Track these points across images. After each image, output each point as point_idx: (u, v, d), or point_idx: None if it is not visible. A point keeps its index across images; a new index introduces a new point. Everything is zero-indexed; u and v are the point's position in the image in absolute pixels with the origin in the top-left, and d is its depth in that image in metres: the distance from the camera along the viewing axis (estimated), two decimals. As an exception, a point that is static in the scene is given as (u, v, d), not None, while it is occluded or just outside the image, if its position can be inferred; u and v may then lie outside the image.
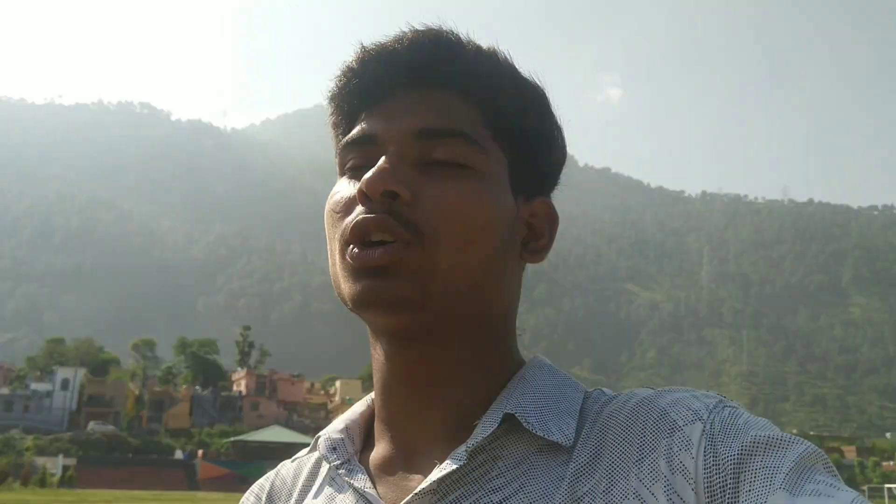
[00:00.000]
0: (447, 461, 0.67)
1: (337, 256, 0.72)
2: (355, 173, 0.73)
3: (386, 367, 0.73)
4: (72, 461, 49.85)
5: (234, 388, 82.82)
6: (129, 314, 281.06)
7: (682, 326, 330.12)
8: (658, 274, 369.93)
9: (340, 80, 0.76)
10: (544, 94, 0.78)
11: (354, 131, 0.74)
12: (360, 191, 0.69)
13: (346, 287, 0.70)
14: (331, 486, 0.75)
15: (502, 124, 0.73)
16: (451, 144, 0.70)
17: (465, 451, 0.66)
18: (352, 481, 0.71)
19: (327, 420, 78.89)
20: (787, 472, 0.57)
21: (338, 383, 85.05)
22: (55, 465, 47.20)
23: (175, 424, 69.24)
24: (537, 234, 0.77)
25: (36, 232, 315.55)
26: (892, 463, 76.91)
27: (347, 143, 0.74)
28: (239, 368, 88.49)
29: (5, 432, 57.17)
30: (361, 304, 0.69)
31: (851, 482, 67.82)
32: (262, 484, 0.84)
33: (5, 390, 72.20)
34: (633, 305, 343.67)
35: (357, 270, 0.69)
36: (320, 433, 0.79)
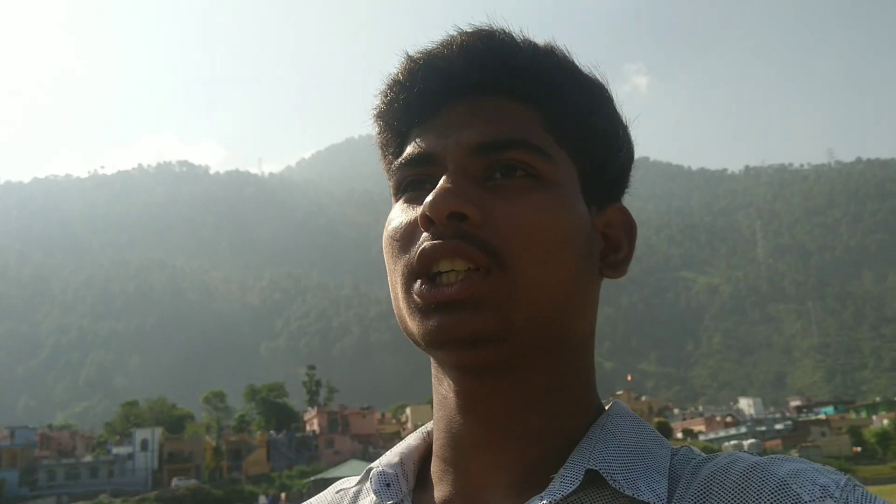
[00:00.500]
0: None
1: (400, 291, 0.66)
2: (413, 197, 0.67)
3: (453, 402, 0.67)
4: (163, 521, 50.73)
5: (308, 427, 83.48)
6: (195, 369, 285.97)
7: (745, 307, 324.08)
8: (712, 257, 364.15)
9: (387, 96, 0.70)
10: (608, 91, 0.72)
11: (408, 150, 0.68)
12: (422, 215, 0.62)
13: (414, 325, 0.64)
14: None
15: (567, 128, 0.68)
16: (515, 155, 0.64)
17: None
18: None
19: (403, 448, 79.11)
20: None
21: (408, 410, 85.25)
22: (147, 524, 48.09)
23: (254, 471, 70.02)
24: (615, 245, 0.71)
25: (97, 300, 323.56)
26: None
27: (401, 165, 0.68)
28: (309, 408, 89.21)
29: (94, 498, 58.43)
30: (435, 343, 0.62)
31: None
32: None
33: (88, 457, 74.04)
34: (691, 292, 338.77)
35: (427, 307, 0.63)
36: (372, 465, 0.72)
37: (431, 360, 0.69)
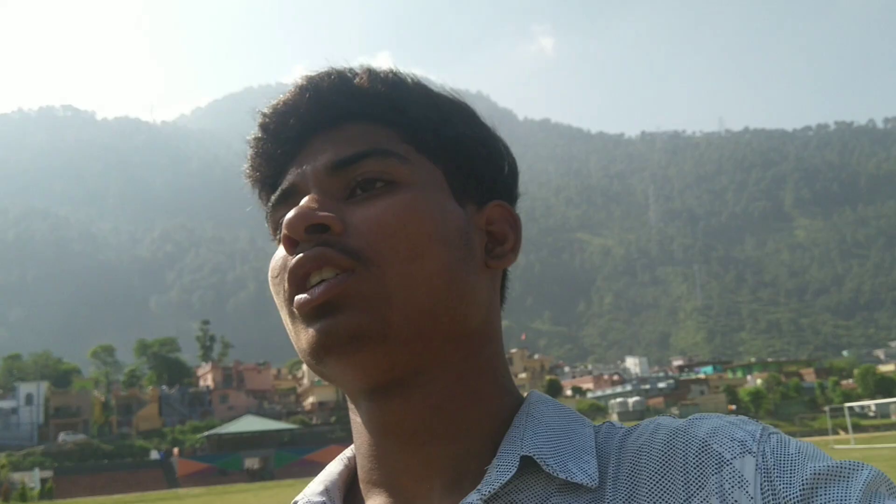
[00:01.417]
0: None
1: (288, 320, 0.65)
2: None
3: (370, 426, 0.66)
4: (48, 473, 49.56)
5: (201, 383, 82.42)
6: (81, 322, 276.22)
7: (636, 269, 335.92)
8: (607, 219, 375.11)
9: (253, 149, 0.72)
10: (465, 104, 0.73)
11: (276, 193, 0.69)
12: (284, 237, 0.63)
13: (301, 342, 0.63)
14: None
15: (422, 137, 0.69)
16: (367, 165, 0.65)
17: (480, 499, 0.59)
18: None
19: (298, 404, 79.19)
20: (856, 502, 0.53)
21: (304, 367, 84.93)
22: (32, 479, 46.85)
23: (146, 426, 68.87)
24: (500, 239, 0.71)
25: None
26: (850, 381, 79.23)
27: (271, 206, 0.70)
28: (203, 363, 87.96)
29: (-26, 453, 56.37)
30: (319, 348, 0.61)
31: (813, 404, 70.41)
32: None
33: (-32, 413, 70.93)
34: (586, 254, 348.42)
35: (305, 317, 0.62)
36: (297, 498, 0.71)
37: (346, 398, 0.70)
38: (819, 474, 0.55)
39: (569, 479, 0.60)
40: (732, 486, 0.56)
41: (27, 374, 78.55)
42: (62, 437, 61.48)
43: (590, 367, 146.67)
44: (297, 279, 0.62)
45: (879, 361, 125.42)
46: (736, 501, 0.55)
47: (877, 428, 58.26)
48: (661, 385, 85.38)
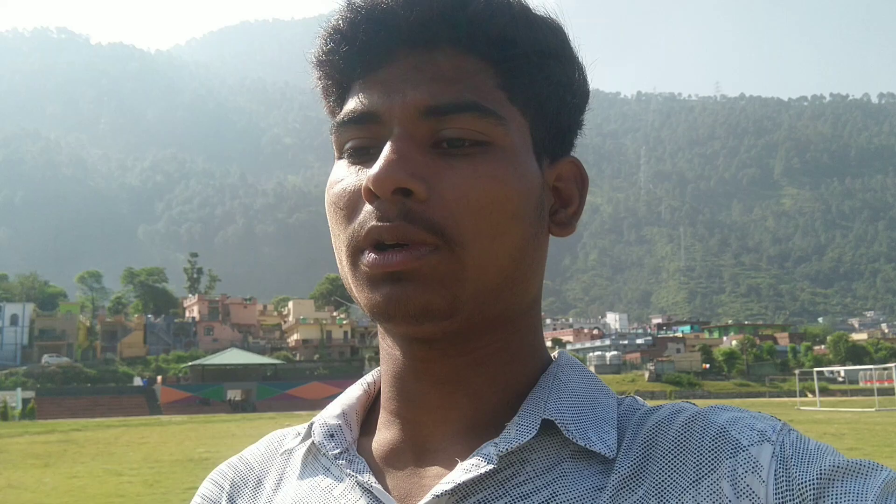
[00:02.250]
0: (472, 460, 0.60)
1: (346, 261, 0.62)
2: (357, 156, 0.63)
3: (401, 361, 0.65)
4: (30, 394, 50.27)
5: (187, 314, 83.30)
6: (68, 246, 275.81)
7: (622, 227, 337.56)
8: (598, 177, 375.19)
9: (327, 45, 0.64)
10: (563, 32, 0.66)
11: (350, 107, 0.63)
12: (366, 189, 0.59)
13: (362, 296, 0.61)
14: (326, 475, 0.67)
15: (519, 83, 0.63)
16: (463, 120, 0.60)
17: (497, 453, 0.59)
18: (354, 473, 0.64)
19: (282, 340, 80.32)
20: (873, 499, 0.51)
21: (290, 304, 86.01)
22: (14, 398, 47.49)
23: (130, 353, 69.83)
24: (566, 200, 0.68)
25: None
26: (823, 347, 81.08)
27: (344, 122, 0.63)
28: (190, 295, 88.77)
29: (-42, 370, 57.19)
30: (382, 314, 0.60)
31: (785, 367, 72.16)
32: (223, 471, 0.75)
33: (-48, 329, 71.57)
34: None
35: (374, 277, 0.60)
36: (314, 419, 0.71)
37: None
38: (837, 468, 0.54)
39: (588, 446, 0.60)
40: (745, 471, 0.56)
41: (13, 295, 78.93)
42: (46, 359, 62.23)
43: (571, 320, 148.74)
44: (373, 240, 0.59)
45: (853, 330, 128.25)
46: (748, 486, 0.55)
47: (844, 393, 60.00)
48: (639, 341, 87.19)
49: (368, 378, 0.74)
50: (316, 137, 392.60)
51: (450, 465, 0.61)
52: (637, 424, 0.63)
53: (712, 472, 0.57)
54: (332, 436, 0.68)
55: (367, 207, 0.59)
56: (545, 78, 0.64)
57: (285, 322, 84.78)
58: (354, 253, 0.61)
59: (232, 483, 0.73)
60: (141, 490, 11.32)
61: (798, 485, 0.54)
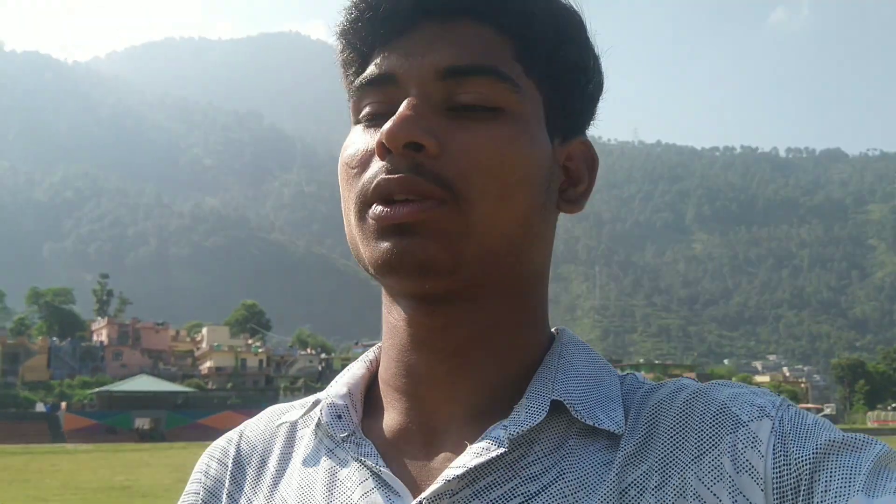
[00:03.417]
0: (482, 444, 0.60)
1: (353, 217, 0.63)
2: (373, 120, 0.64)
3: (405, 332, 0.66)
4: (-76, 418, 47.93)
5: (95, 338, 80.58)
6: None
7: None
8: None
9: (351, 13, 0.66)
10: (581, 19, 0.68)
11: (369, 70, 0.65)
12: (379, 143, 0.60)
13: (366, 250, 0.62)
14: (329, 458, 0.67)
15: (536, 57, 0.65)
16: (480, 83, 0.62)
17: (507, 436, 0.60)
18: (362, 457, 0.64)
19: (195, 367, 78.39)
20: (866, 473, 0.53)
21: (204, 330, 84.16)
22: None
23: (32, 377, 67.13)
24: (575, 179, 0.70)
25: None
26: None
27: (362, 84, 0.65)
28: (98, 318, 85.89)
29: None
30: (385, 266, 0.60)
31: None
32: (223, 447, 0.74)
33: None
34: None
35: (381, 230, 0.61)
36: (319, 396, 0.71)
37: (383, 289, 0.68)
38: (833, 442, 0.56)
39: (596, 425, 0.61)
40: (745, 446, 0.57)
41: None
42: (-58, 380, 59.40)
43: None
44: (382, 194, 0.60)
45: (757, 372, 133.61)
46: (748, 461, 0.57)
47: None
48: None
49: (370, 355, 0.74)
50: (237, 160, 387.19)
51: (459, 448, 0.61)
52: (640, 402, 0.64)
53: (714, 447, 0.58)
54: (339, 417, 0.67)
55: (378, 163, 0.61)
56: (562, 57, 0.66)
57: (198, 349, 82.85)
58: (362, 207, 0.62)
59: (235, 461, 0.72)
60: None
61: (795, 460, 0.55)
